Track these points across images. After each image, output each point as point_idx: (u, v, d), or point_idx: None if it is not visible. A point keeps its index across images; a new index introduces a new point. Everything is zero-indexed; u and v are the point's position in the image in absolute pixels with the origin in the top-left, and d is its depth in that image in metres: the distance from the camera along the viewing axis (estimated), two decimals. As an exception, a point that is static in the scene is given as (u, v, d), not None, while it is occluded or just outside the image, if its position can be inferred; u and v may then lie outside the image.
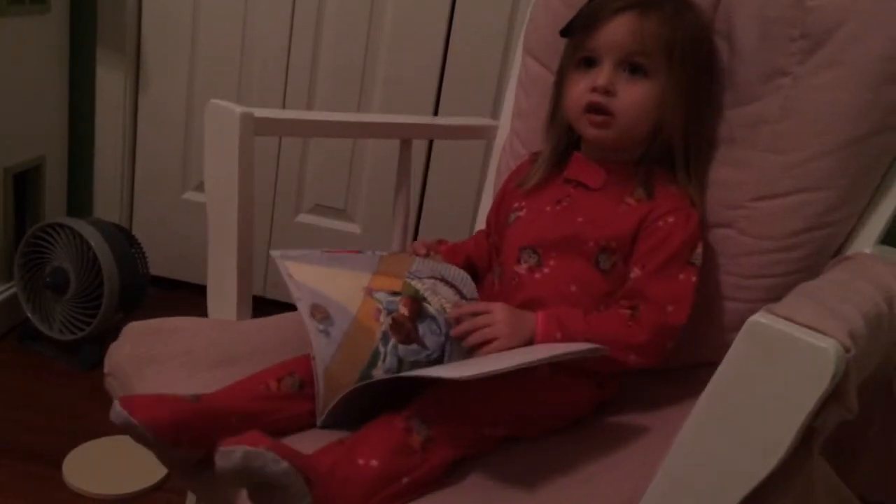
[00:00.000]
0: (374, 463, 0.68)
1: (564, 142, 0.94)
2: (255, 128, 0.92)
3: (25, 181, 1.75)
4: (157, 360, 0.80)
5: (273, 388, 0.77)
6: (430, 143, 1.75)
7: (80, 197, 1.92)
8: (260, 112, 0.93)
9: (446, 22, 1.66)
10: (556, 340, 0.80)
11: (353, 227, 1.85)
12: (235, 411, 0.73)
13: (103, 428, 1.40)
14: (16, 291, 1.66)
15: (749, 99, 0.89)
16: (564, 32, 0.90)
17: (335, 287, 0.79)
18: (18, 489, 1.25)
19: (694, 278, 0.84)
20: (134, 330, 0.85)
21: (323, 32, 1.72)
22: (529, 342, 0.80)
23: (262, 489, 0.65)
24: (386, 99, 1.73)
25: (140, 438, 0.69)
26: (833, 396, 0.55)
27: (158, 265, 1.84)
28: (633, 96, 0.84)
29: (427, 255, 0.94)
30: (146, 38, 1.80)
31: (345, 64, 1.73)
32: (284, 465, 0.62)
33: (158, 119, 1.85)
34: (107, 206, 1.91)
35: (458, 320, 0.82)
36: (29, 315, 1.64)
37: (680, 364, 0.93)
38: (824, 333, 0.54)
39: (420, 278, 0.85)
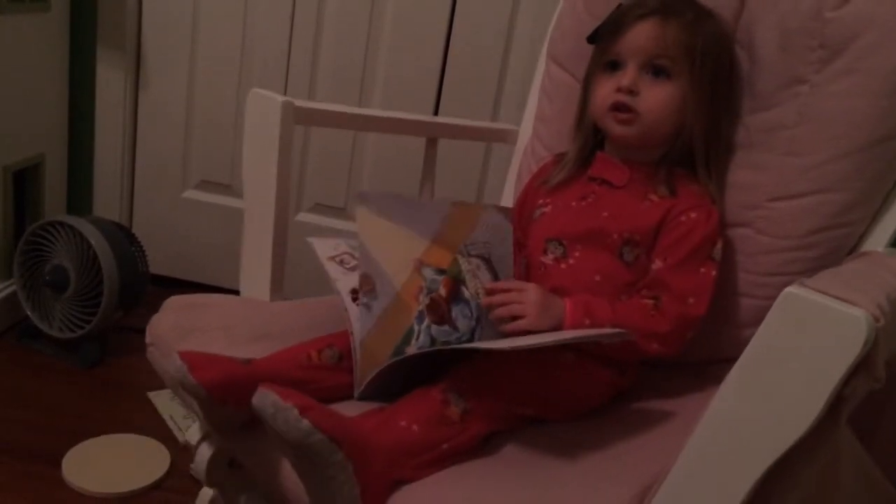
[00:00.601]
0: (415, 427, 0.71)
1: (591, 143, 0.98)
2: (294, 117, 0.96)
3: (25, 179, 1.74)
4: (199, 331, 0.82)
5: (314, 359, 0.79)
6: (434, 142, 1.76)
7: (79, 195, 1.91)
8: (300, 102, 0.97)
9: (447, 22, 1.68)
10: (584, 327, 0.83)
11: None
12: (282, 376, 0.75)
13: (103, 426, 1.41)
14: (15, 289, 1.65)
15: (768, 105, 0.93)
16: (591, 39, 0.95)
17: (390, 253, 0.82)
18: (18, 488, 1.24)
19: (714, 272, 0.88)
20: (174, 303, 0.88)
21: (323, 31, 1.73)
22: (557, 327, 0.83)
23: (302, 458, 0.67)
24: (386, 99, 1.73)
25: (191, 390, 0.71)
26: (862, 365, 0.58)
27: (158, 264, 1.83)
28: (656, 96, 0.89)
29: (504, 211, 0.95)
30: (146, 36, 1.80)
31: (345, 63, 1.73)
32: (305, 423, 0.64)
33: (158, 117, 1.85)
34: (107, 204, 1.91)
35: (491, 293, 0.84)
36: (28, 313, 1.63)
37: (697, 359, 0.96)
38: (856, 304, 0.57)
39: (469, 255, 0.87)
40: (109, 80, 1.81)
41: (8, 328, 1.69)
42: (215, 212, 1.89)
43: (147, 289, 1.67)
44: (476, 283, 0.86)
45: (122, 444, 1.38)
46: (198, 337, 0.81)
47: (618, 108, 0.90)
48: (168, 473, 1.31)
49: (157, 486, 1.29)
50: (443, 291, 0.83)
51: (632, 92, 0.89)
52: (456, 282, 0.85)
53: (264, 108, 0.95)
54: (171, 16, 1.78)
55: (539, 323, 0.81)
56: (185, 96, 1.83)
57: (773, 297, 0.75)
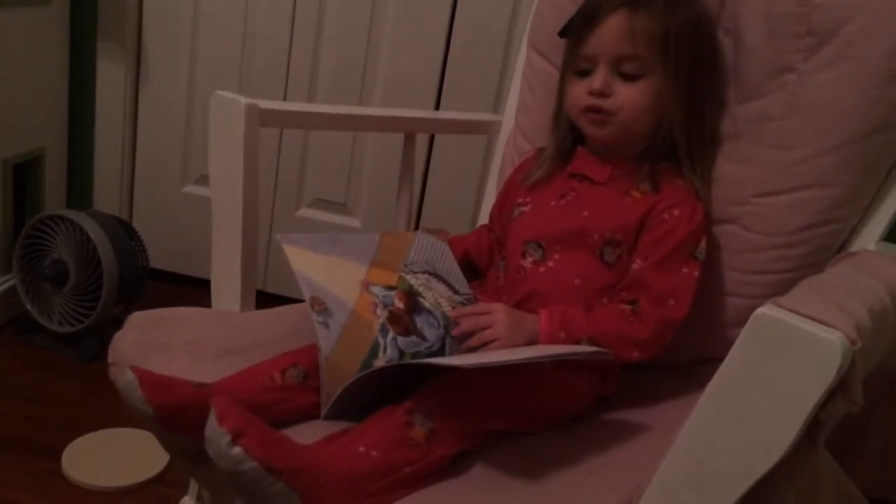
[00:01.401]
0: (374, 453, 0.68)
1: (569, 138, 0.95)
2: (260, 119, 0.92)
3: (25, 173, 1.75)
4: (162, 349, 0.80)
5: (277, 380, 0.77)
6: (432, 137, 1.74)
7: (79, 189, 1.91)
8: (265, 104, 0.93)
9: (448, 17, 1.66)
10: (559, 340, 0.81)
11: (354, 222, 1.84)
12: (241, 400, 0.72)
13: (102, 420, 1.41)
14: (15, 283, 1.66)
15: (754, 95, 0.90)
16: (563, 33, 0.92)
17: (333, 278, 0.80)
18: (17, 481, 1.24)
19: (696, 273, 0.84)
20: (137, 319, 0.85)
21: (324, 27, 1.72)
22: (531, 342, 0.81)
23: (240, 488, 0.65)
24: (387, 94, 1.73)
25: (140, 409, 0.70)
26: (839, 388, 0.55)
27: (158, 258, 1.84)
28: (628, 95, 0.86)
29: (434, 232, 0.94)
30: (147, 30, 1.79)
31: (346, 59, 1.72)
32: (237, 451, 0.62)
33: (159, 112, 1.84)
34: (107, 198, 1.91)
35: (458, 319, 0.83)
36: (28, 307, 1.63)
37: (685, 360, 0.94)
38: (831, 326, 0.54)
39: (414, 273, 0.86)
40: (110, 74, 1.80)
41: (7, 322, 1.70)
42: (216, 207, 1.89)
43: (147, 283, 1.67)
44: (432, 293, 0.84)
45: (122, 438, 1.38)
46: (161, 356, 0.79)
47: (590, 109, 0.88)
48: (167, 467, 1.31)
49: (156, 480, 1.29)
50: (400, 304, 0.81)
51: (603, 94, 0.87)
52: (410, 294, 0.83)
53: (228, 111, 0.92)
54: (172, 10, 1.77)
55: (511, 342, 0.79)
56: (185, 91, 1.82)
57: (760, 296, 0.72)
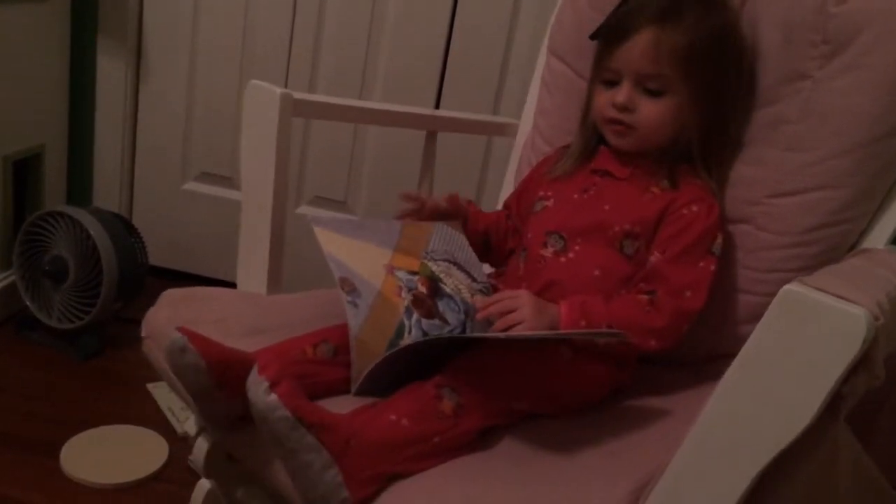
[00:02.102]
0: (405, 422, 0.70)
1: (595, 138, 0.98)
2: (293, 110, 0.95)
3: (25, 169, 1.74)
4: (193, 324, 0.81)
5: (309, 354, 0.79)
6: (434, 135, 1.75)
7: (79, 186, 1.90)
8: (298, 95, 0.96)
9: (449, 16, 1.67)
10: (579, 328, 0.83)
11: (356, 218, 1.83)
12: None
13: (101, 417, 1.41)
14: (14, 280, 1.65)
15: (770, 101, 0.93)
16: (594, 36, 0.95)
17: (360, 261, 0.83)
18: (16, 478, 1.24)
19: (713, 267, 0.87)
20: (170, 296, 0.87)
21: (325, 23, 1.72)
22: (553, 329, 0.83)
23: (273, 438, 0.67)
24: (387, 91, 1.73)
25: (191, 363, 0.71)
26: (862, 362, 0.57)
27: (158, 255, 1.83)
28: (650, 111, 0.89)
29: (455, 209, 0.96)
30: (147, 26, 1.79)
31: (346, 55, 1.72)
32: (272, 398, 0.65)
33: (159, 108, 1.84)
34: (106, 195, 1.90)
35: (485, 306, 0.84)
36: (27, 304, 1.62)
37: (697, 356, 0.96)
38: (855, 302, 0.56)
39: (435, 260, 0.89)
40: (110, 70, 1.80)
41: (7, 319, 1.69)
42: (215, 204, 1.89)
43: (146, 280, 1.67)
44: (452, 280, 0.87)
45: (121, 435, 1.38)
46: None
47: (613, 122, 0.91)
48: (166, 464, 1.31)
49: (155, 477, 1.29)
50: (422, 289, 0.84)
51: (626, 109, 0.90)
52: (432, 280, 0.86)
53: (263, 100, 0.95)
54: (173, 6, 1.76)
55: (537, 325, 0.81)
56: (185, 88, 1.82)
57: (773, 294, 0.75)
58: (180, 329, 0.72)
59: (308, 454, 0.66)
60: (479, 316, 0.84)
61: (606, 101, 0.91)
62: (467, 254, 0.94)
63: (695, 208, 0.88)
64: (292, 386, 0.67)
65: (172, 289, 0.88)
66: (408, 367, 0.78)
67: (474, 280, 0.91)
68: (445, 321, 0.83)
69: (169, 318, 0.83)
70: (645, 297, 0.86)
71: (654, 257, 0.88)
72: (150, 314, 0.85)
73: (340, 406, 0.75)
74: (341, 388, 0.79)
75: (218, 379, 0.71)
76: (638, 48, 0.87)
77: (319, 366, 0.79)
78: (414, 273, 0.86)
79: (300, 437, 0.65)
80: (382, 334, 0.80)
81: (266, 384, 0.65)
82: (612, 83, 0.91)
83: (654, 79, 0.88)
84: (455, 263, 0.91)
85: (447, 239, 0.93)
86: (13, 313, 1.69)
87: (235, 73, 1.79)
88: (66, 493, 1.23)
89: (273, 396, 0.65)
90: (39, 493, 1.21)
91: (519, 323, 0.81)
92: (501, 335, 0.72)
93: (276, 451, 0.68)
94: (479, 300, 0.87)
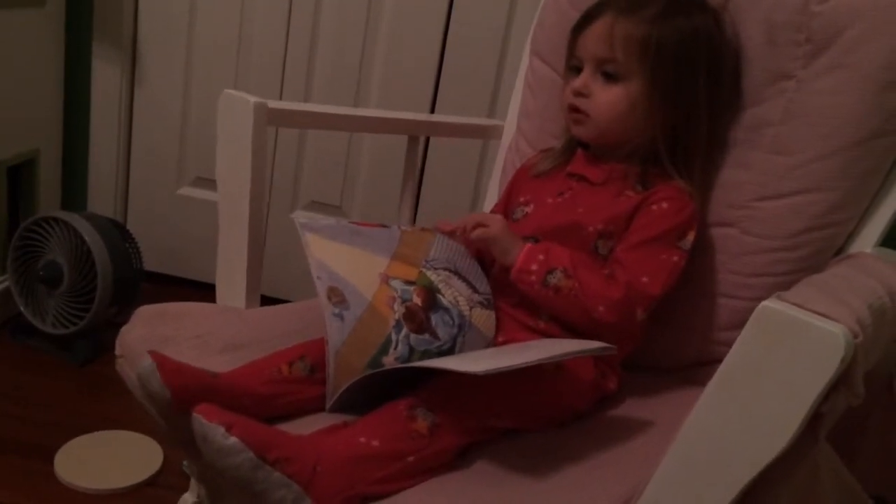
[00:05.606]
0: (375, 443, 0.69)
1: (575, 138, 0.97)
2: (267, 118, 0.93)
3: (19, 174, 1.74)
4: (169, 342, 0.80)
5: (284, 372, 0.78)
6: (427, 140, 1.75)
7: (74, 191, 1.90)
8: (273, 103, 0.94)
9: (444, 19, 1.67)
10: (538, 262, 0.84)
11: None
12: (248, 392, 0.74)
13: (96, 422, 1.41)
14: (9, 285, 1.65)
15: (753, 102, 0.91)
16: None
17: (353, 269, 0.80)
18: (10, 483, 1.24)
19: (676, 258, 0.86)
20: (145, 313, 0.86)
21: (320, 28, 1.72)
22: (514, 250, 0.86)
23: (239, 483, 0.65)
24: (383, 95, 1.73)
25: (157, 392, 0.70)
26: (841, 381, 0.56)
27: (153, 260, 1.83)
28: (603, 98, 0.90)
29: (452, 233, 0.94)
30: (142, 31, 1.79)
31: (341, 60, 1.72)
32: (233, 440, 0.63)
33: (154, 113, 1.84)
34: (101, 200, 1.90)
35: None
36: (22, 309, 1.62)
37: (682, 362, 0.95)
38: (834, 319, 0.55)
39: (435, 269, 0.86)
40: (105, 75, 1.80)
41: (1, 324, 1.69)
42: (210, 209, 1.84)
43: (141, 285, 1.67)
44: (452, 290, 0.84)
45: (116, 440, 1.38)
46: (169, 348, 0.79)
47: (571, 108, 0.92)
48: (161, 470, 1.31)
49: (150, 482, 1.29)
50: (417, 300, 0.81)
51: (582, 94, 0.90)
52: (430, 290, 0.83)
53: (236, 109, 0.93)
54: (168, 11, 1.77)
55: (501, 236, 0.87)
56: (181, 93, 1.82)
57: (759, 299, 0.74)
58: (151, 353, 0.70)
59: (278, 491, 0.64)
60: (447, 229, 0.90)
61: (569, 89, 0.92)
62: (470, 263, 0.92)
63: (665, 205, 0.87)
64: (245, 420, 0.65)
65: (146, 305, 0.86)
66: (388, 383, 0.76)
67: (475, 291, 0.89)
68: (436, 336, 0.81)
69: (142, 336, 0.81)
70: (605, 271, 0.86)
71: (618, 248, 0.87)
72: (123, 332, 0.83)
73: (313, 424, 0.74)
74: (316, 406, 0.78)
75: (184, 408, 0.70)
76: (595, 33, 0.89)
77: (294, 384, 0.77)
78: (410, 283, 0.83)
79: (266, 475, 0.64)
80: (366, 350, 0.77)
81: (222, 429, 0.63)
82: (578, 70, 0.92)
83: (609, 63, 0.88)
84: (456, 273, 0.88)
85: (448, 247, 0.91)
86: (8, 319, 1.70)
87: (231, 78, 1.79)
88: (61, 498, 1.23)
89: (233, 439, 0.63)
90: (34, 499, 1.21)
91: (490, 237, 0.87)
92: (485, 370, 0.70)
93: (242, 496, 0.67)
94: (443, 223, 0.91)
